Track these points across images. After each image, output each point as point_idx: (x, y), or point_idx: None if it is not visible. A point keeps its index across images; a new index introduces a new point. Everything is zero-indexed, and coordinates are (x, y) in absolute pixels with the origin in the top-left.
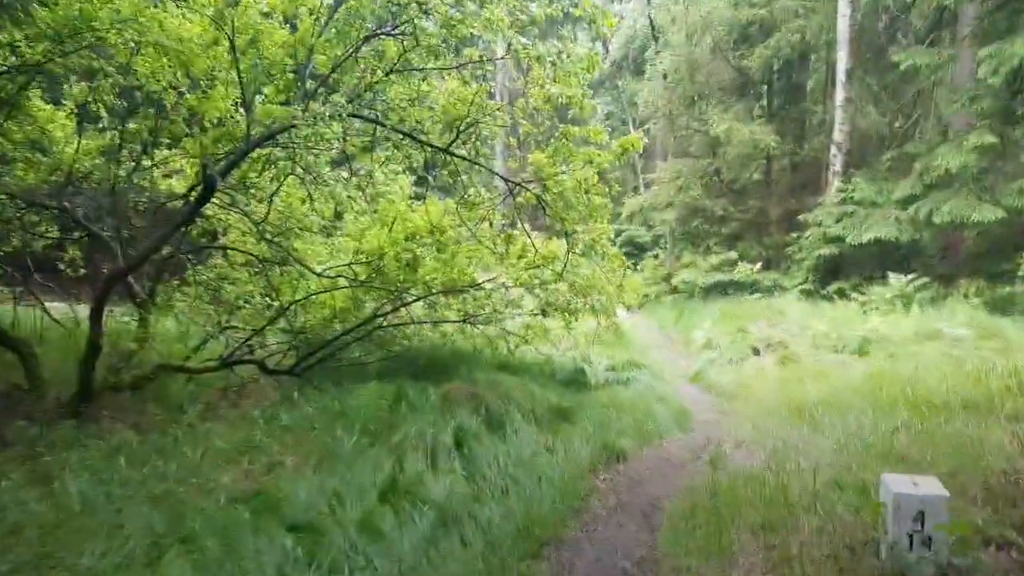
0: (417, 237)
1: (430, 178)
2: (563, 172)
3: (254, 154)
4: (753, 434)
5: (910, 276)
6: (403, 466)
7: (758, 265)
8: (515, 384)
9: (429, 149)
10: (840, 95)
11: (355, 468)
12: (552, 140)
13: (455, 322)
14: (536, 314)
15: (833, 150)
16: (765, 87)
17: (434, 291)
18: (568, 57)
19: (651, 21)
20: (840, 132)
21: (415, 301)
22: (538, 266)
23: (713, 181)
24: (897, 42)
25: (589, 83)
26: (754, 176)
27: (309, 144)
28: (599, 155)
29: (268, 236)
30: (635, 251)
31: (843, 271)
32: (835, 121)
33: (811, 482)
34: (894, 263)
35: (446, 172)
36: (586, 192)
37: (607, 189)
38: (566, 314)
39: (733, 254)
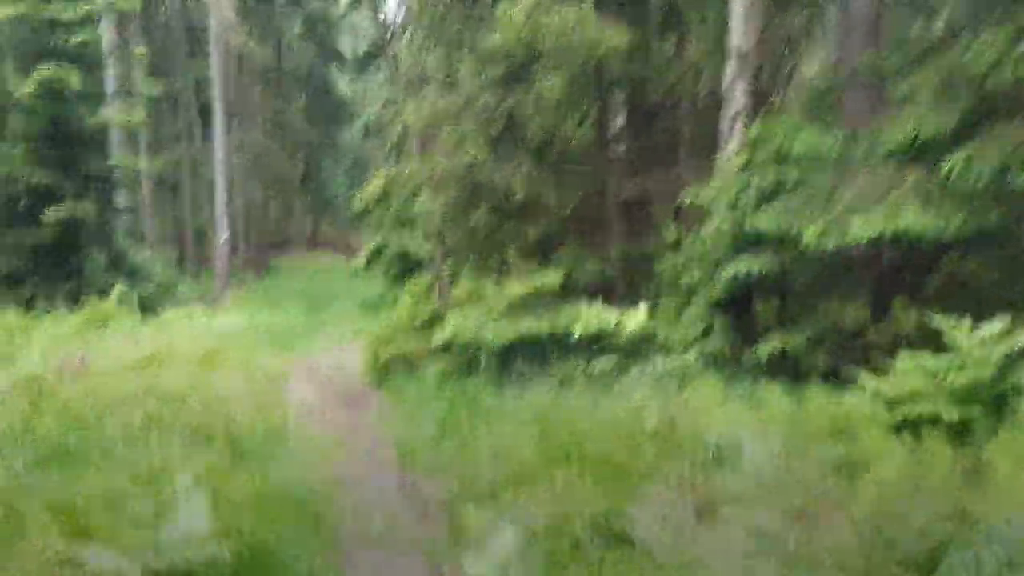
0: None
1: None
2: None
3: None
4: None
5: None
6: None
7: (641, 310)
8: None
9: None
10: None
11: None
12: None
13: None
14: None
15: (732, 67)
16: None
17: None
18: None
19: None
20: (745, 31)
21: None
22: None
23: (508, 135)
24: None
25: None
26: (584, 128)
27: None
28: None
29: None
30: (409, 272)
31: (785, 309)
32: (732, 9)
33: None
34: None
35: None
36: None
37: None
38: None
39: (553, 275)
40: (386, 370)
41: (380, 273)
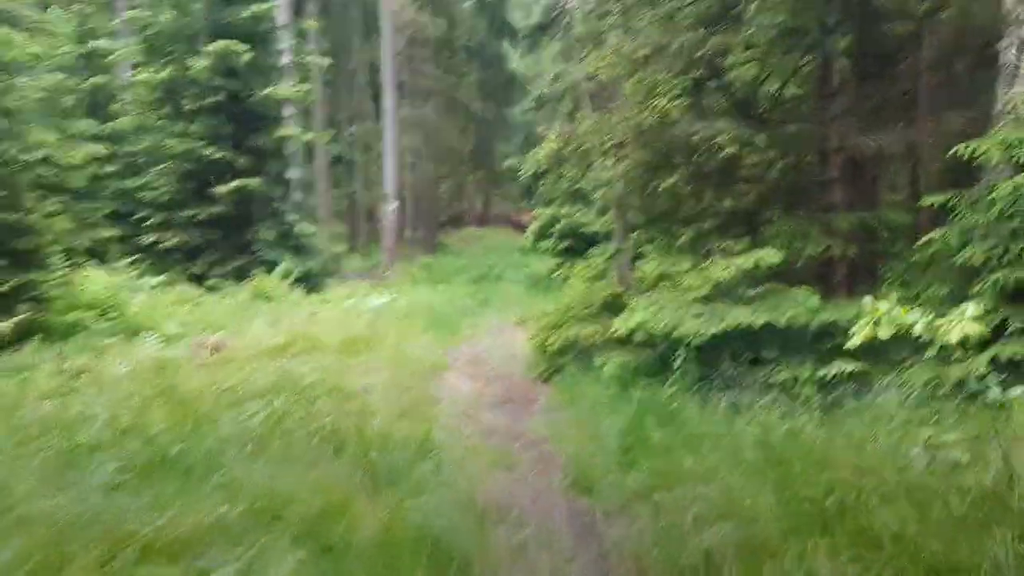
0: None
1: None
2: None
3: None
4: None
5: None
6: None
7: (971, 309)
8: None
9: None
10: None
11: None
12: None
13: None
14: None
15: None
16: None
17: None
18: None
19: None
20: None
21: None
22: None
23: (708, 85)
24: None
25: None
26: (801, 76)
27: None
28: None
29: None
30: (581, 248)
31: None
32: None
33: None
34: None
35: None
36: None
37: None
38: None
39: (770, 253)
40: (555, 361)
41: (549, 250)
